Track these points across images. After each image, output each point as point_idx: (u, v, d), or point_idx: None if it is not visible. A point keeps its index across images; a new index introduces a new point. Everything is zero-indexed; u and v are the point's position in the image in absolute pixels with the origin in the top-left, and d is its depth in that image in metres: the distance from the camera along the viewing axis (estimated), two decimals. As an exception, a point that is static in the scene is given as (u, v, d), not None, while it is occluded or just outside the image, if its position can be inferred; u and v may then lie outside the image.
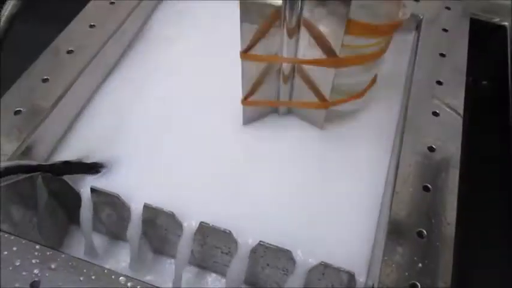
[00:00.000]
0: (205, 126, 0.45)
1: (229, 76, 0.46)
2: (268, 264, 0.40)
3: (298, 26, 0.37)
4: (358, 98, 0.43)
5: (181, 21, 0.55)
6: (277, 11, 0.36)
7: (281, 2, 0.35)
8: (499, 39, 0.54)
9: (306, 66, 0.40)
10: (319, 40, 0.37)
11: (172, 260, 0.46)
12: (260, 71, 0.40)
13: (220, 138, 0.44)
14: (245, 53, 0.38)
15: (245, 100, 0.43)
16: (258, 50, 0.38)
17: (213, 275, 0.46)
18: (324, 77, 0.39)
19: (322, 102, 0.42)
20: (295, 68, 0.41)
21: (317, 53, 0.38)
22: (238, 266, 0.39)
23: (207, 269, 0.46)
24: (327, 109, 0.42)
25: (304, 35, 0.37)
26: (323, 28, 0.36)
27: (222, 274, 0.45)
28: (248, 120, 0.45)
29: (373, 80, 0.44)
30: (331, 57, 0.37)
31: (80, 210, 0.41)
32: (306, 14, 0.36)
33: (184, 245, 0.39)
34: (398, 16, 0.38)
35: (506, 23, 0.54)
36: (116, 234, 0.46)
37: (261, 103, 0.44)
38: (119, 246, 0.47)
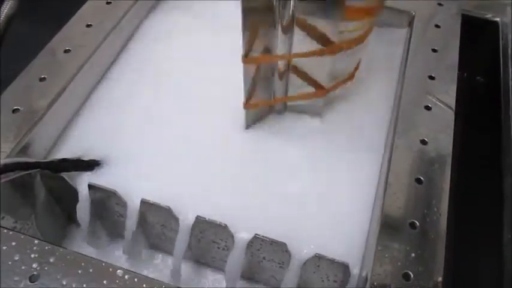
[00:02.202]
0: (201, 124, 0.46)
1: (226, 76, 0.47)
2: (264, 258, 0.40)
3: (292, 23, 0.37)
4: (351, 80, 0.45)
5: (178, 21, 0.55)
6: (271, 10, 0.36)
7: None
8: (491, 35, 0.54)
9: (300, 60, 0.40)
10: (314, 33, 0.38)
11: (170, 256, 0.46)
12: (259, 72, 0.41)
13: (217, 136, 0.45)
14: (246, 57, 0.38)
15: (247, 103, 0.43)
16: (255, 51, 0.38)
17: (211, 270, 0.47)
18: (320, 66, 0.40)
19: (319, 91, 0.43)
20: (289, 64, 0.41)
21: (312, 45, 0.38)
22: (235, 259, 0.39)
23: (205, 264, 0.46)
24: (324, 96, 0.44)
25: (298, 30, 0.38)
26: (319, 22, 0.37)
27: (220, 269, 0.46)
28: (250, 123, 0.45)
29: (359, 62, 0.45)
30: (328, 46, 0.38)
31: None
32: (299, 11, 0.37)
33: (181, 240, 0.40)
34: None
35: (497, 19, 0.54)
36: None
37: (263, 103, 0.44)
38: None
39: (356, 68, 0.45)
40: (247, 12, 0.35)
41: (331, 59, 0.40)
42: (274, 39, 0.38)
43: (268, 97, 0.44)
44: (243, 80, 0.40)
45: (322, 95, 0.43)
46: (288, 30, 0.38)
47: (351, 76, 0.45)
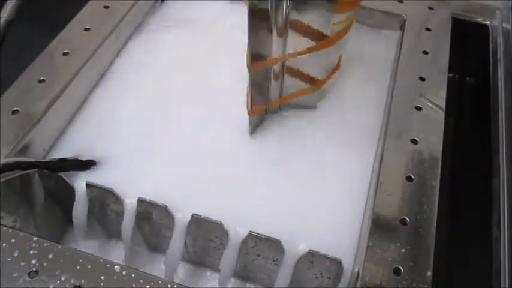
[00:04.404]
0: (197, 123, 0.46)
1: (221, 77, 0.48)
2: (259, 255, 0.41)
3: (285, 25, 0.38)
4: (337, 69, 0.47)
5: (176, 24, 0.56)
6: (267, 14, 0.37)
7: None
8: (481, 38, 0.56)
9: (295, 60, 0.41)
10: (308, 31, 0.39)
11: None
12: (263, 77, 0.42)
13: (212, 136, 0.46)
14: (253, 63, 0.39)
15: (252, 109, 0.43)
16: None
17: (208, 270, 0.47)
18: (316, 62, 0.42)
19: (314, 86, 0.44)
20: (284, 63, 0.42)
21: (306, 43, 0.39)
22: (230, 256, 0.40)
23: (202, 265, 0.47)
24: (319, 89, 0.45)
25: (291, 31, 0.39)
26: (311, 19, 0.38)
27: (216, 269, 0.46)
28: (254, 128, 0.46)
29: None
30: (322, 40, 0.39)
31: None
32: (293, 13, 0.37)
33: (177, 238, 0.40)
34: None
35: (487, 23, 0.56)
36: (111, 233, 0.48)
37: (264, 107, 0.45)
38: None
39: (340, 58, 0.47)
40: (254, 15, 0.35)
41: (326, 53, 0.41)
42: (269, 42, 0.39)
43: (266, 100, 0.45)
44: (249, 87, 0.40)
45: (318, 88, 0.45)
46: (282, 32, 0.39)
47: (337, 66, 0.47)
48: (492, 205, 0.41)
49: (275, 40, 0.39)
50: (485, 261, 0.38)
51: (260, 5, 0.35)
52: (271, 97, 0.45)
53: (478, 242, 0.42)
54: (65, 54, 0.47)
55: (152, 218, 0.42)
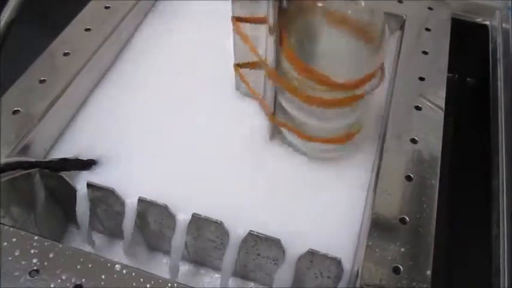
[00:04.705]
0: (196, 124, 0.47)
1: (221, 77, 0.48)
2: (259, 254, 0.41)
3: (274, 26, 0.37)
4: (336, 142, 0.42)
5: (178, 23, 0.56)
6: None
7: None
8: (481, 38, 0.56)
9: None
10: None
11: (168, 256, 0.47)
12: (249, 52, 0.42)
13: (210, 137, 0.46)
14: (235, 20, 0.41)
15: (237, 66, 0.45)
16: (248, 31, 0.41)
17: (209, 270, 0.47)
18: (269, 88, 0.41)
19: (271, 115, 0.43)
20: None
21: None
22: (231, 256, 0.40)
23: (202, 264, 0.47)
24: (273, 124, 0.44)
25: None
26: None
27: (217, 269, 0.46)
28: (238, 87, 0.48)
29: (343, 138, 0.42)
30: (272, 69, 0.39)
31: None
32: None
33: (178, 238, 0.41)
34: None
35: (487, 23, 0.56)
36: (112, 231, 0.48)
37: (246, 83, 0.46)
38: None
39: (337, 140, 0.42)
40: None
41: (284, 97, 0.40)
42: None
43: (257, 88, 0.45)
44: (233, 44, 0.43)
45: (271, 120, 0.43)
46: (271, 30, 0.38)
47: (335, 139, 0.42)
48: (491, 204, 0.42)
49: (269, 38, 0.38)
50: (484, 260, 0.39)
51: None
52: (264, 97, 0.44)
53: (477, 241, 0.42)
54: (65, 54, 0.47)
55: (153, 217, 0.42)
